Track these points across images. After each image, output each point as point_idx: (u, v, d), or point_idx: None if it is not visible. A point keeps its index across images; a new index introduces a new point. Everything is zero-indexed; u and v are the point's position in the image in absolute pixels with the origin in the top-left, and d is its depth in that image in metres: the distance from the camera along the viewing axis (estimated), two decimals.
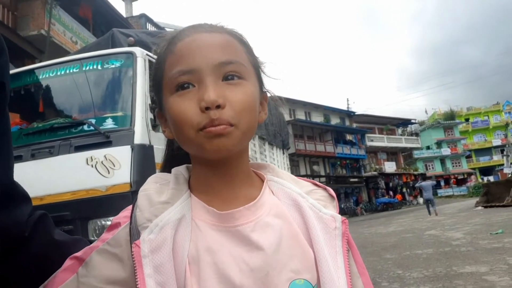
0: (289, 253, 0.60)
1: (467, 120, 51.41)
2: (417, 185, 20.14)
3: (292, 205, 0.65)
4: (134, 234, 0.59)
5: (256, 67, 0.66)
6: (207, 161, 0.62)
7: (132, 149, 2.77)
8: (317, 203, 0.65)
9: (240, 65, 0.61)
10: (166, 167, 0.73)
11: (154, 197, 0.61)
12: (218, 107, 0.57)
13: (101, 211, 2.64)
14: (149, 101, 3.12)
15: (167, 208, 0.59)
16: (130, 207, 0.64)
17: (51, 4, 10.11)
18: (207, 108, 0.56)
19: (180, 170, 0.67)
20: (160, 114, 0.68)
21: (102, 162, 2.73)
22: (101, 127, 2.91)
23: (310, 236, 0.61)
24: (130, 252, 0.58)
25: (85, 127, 2.99)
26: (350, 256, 0.65)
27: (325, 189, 0.70)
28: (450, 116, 48.13)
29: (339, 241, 0.63)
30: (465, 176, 44.10)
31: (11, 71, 3.77)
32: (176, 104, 0.59)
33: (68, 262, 0.65)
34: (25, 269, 0.68)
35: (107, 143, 2.83)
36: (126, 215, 0.63)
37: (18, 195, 0.70)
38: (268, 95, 0.70)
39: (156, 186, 0.63)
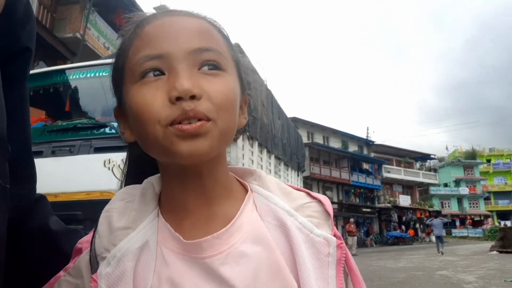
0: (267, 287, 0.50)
1: (488, 161, 50.21)
2: (428, 222, 20.40)
3: (277, 226, 0.53)
4: (93, 263, 0.52)
5: (237, 62, 0.56)
6: (177, 170, 0.52)
7: None
8: (308, 221, 0.53)
9: (219, 54, 0.51)
10: (129, 178, 0.63)
11: (114, 221, 0.52)
12: (192, 98, 0.47)
13: None
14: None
15: (128, 234, 0.51)
16: (92, 232, 0.56)
17: (89, 10, 10.50)
18: (178, 99, 0.46)
19: (151, 182, 0.57)
20: (118, 111, 0.57)
21: (119, 165, 2.77)
22: None
23: (296, 265, 0.51)
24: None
25: (107, 130, 3.06)
26: (349, 284, 0.55)
27: (320, 201, 0.57)
28: (471, 155, 47.18)
29: (332, 270, 0.51)
30: (482, 218, 42.80)
31: (43, 69, 3.92)
32: (139, 95, 0.49)
33: None
34: (12, 256, 0.63)
35: (125, 147, 2.85)
36: (88, 239, 0.56)
37: (29, 169, 0.66)
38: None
39: (120, 205, 0.55)
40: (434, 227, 17.11)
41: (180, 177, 0.53)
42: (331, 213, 0.56)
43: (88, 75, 3.54)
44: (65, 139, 3.10)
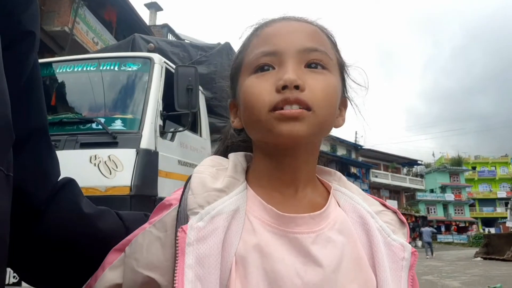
0: (349, 276, 0.53)
1: (473, 168, 50.96)
2: (421, 229, 23.79)
3: (359, 223, 0.58)
4: (181, 218, 0.54)
5: (341, 67, 0.62)
6: (273, 150, 0.57)
7: (137, 153, 2.74)
8: (387, 226, 0.59)
9: (325, 55, 0.57)
10: (221, 150, 0.70)
11: (208, 182, 0.55)
12: (296, 88, 0.52)
13: None
14: (161, 108, 3.11)
15: (222, 197, 0.53)
16: (180, 189, 0.58)
17: (78, 3, 10.34)
18: (284, 88, 0.52)
19: (238, 158, 0.62)
20: (232, 103, 0.65)
21: (105, 162, 2.69)
22: (109, 127, 2.90)
23: (375, 262, 0.55)
24: (174, 238, 0.52)
25: (94, 125, 2.98)
26: None
27: (395, 212, 0.63)
28: (457, 162, 47.81)
29: (405, 273, 0.56)
30: (467, 224, 43.39)
31: None
32: (251, 85, 0.56)
33: (121, 242, 0.62)
34: (45, 241, 0.64)
35: (113, 144, 2.80)
36: (176, 197, 0.58)
37: (47, 145, 0.66)
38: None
39: (212, 170, 0.57)
40: (424, 234, 20.34)
41: (275, 156, 0.57)
42: (406, 223, 0.62)
43: (76, 69, 3.46)
44: (50, 133, 3.00)
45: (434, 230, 25.14)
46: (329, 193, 0.61)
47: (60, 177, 0.69)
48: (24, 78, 0.60)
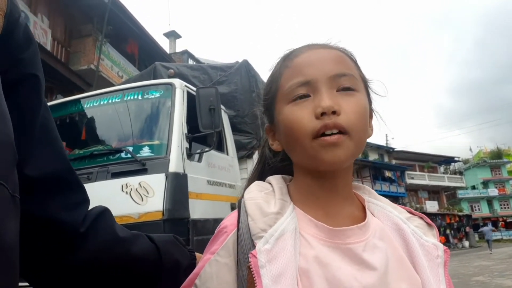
0: (397, 276, 0.59)
1: None
2: (480, 230, 28.35)
3: (394, 229, 0.64)
4: (242, 241, 0.59)
5: (365, 82, 0.68)
6: (316, 173, 0.62)
7: (166, 177, 2.78)
8: (418, 230, 0.65)
9: (353, 78, 0.62)
10: (258, 172, 0.77)
11: (264, 207, 0.60)
12: (334, 113, 0.57)
13: None
14: (185, 131, 3.16)
15: (279, 219, 0.59)
16: (235, 214, 0.63)
17: (102, 41, 10.78)
18: (323, 114, 0.57)
19: (280, 181, 0.67)
20: (269, 128, 0.71)
21: (136, 189, 2.75)
22: (137, 155, 2.97)
23: (414, 262, 0.61)
24: (236, 260, 0.58)
25: (123, 155, 3.06)
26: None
27: (421, 217, 0.69)
28: (497, 154, 45.71)
29: (441, 270, 0.61)
30: None
31: (59, 101, 3.99)
32: (291, 113, 0.61)
33: (187, 279, 0.65)
34: (84, 267, 0.67)
35: (142, 171, 2.86)
36: (233, 223, 0.62)
37: (73, 183, 0.68)
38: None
39: (262, 195, 0.63)
40: (485, 233, 24.28)
41: (317, 178, 0.63)
42: (434, 225, 0.68)
43: (102, 103, 3.58)
44: (82, 167, 3.11)
45: (492, 228, 28.17)
46: (363, 205, 0.67)
47: (94, 206, 0.73)
48: (35, 120, 0.61)
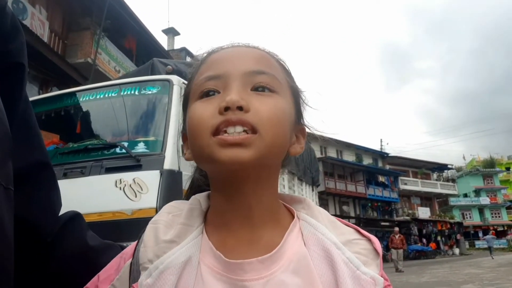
0: None
1: (507, 169, 48.96)
2: (483, 238, 31.02)
3: (323, 257, 0.52)
4: (133, 271, 0.53)
5: (294, 92, 0.59)
6: (222, 185, 0.53)
7: (161, 174, 2.76)
8: (356, 258, 0.52)
9: (273, 78, 0.54)
10: (190, 195, 0.65)
11: (160, 233, 0.52)
12: (240, 109, 0.49)
13: (125, 235, 2.60)
14: (181, 128, 3.14)
15: (172, 248, 0.51)
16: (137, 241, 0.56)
17: (99, 35, 10.71)
18: (227, 109, 0.49)
19: (198, 199, 0.59)
20: (184, 135, 0.61)
21: (130, 185, 2.72)
22: (132, 151, 2.94)
23: None
24: None
25: (118, 150, 3.02)
26: None
27: (369, 240, 0.56)
28: (490, 163, 46.13)
29: None
30: (505, 228, 41.52)
31: (55, 93, 3.95)
32: (195, 109, 0.53)
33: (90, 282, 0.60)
34: (52, 275, 0.64)
35: (137, 167, 2.83)
36: (131, 250, 0.57)
37: (50, 178, 0.66)
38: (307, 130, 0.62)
39: (167, 218, 0.55)
40: (487, 241, 26.02)
41: (226, 194, 0.53)
42: (380, 253, 0.55)
43: (98, 96, 3.55)
44: (76, 160, 3.07)
45: (495, 237, 30.52)
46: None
47: (67, 210, 0.70)
48: (16, 112, 0.59)
